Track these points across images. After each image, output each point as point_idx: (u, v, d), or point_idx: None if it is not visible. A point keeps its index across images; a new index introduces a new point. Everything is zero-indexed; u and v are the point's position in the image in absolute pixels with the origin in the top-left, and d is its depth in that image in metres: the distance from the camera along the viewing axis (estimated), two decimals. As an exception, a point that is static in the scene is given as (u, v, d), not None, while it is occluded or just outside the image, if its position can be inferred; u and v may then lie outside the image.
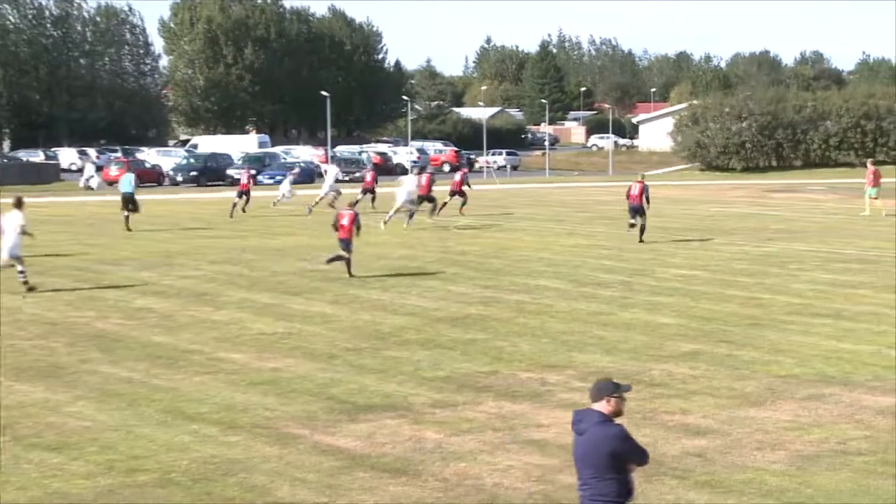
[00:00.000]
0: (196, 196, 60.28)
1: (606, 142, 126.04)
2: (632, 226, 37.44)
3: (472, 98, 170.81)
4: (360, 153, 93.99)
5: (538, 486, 12.80)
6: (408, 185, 42.70)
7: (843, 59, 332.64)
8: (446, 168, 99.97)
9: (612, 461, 8.59)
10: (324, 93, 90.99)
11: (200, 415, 15.71)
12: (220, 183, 76.24)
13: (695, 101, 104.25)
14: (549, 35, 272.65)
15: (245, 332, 21.67)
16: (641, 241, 36.41)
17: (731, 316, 23.23)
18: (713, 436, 14.69)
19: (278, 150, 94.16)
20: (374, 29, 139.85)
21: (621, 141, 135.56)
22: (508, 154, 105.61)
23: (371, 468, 13.38)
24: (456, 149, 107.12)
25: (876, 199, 46.81)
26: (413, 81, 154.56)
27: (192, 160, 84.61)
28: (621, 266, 31.02)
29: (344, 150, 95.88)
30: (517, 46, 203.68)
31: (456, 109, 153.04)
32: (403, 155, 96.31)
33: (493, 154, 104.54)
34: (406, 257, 33.06)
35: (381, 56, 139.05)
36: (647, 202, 36.94)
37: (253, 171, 56.27)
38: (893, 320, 22.49)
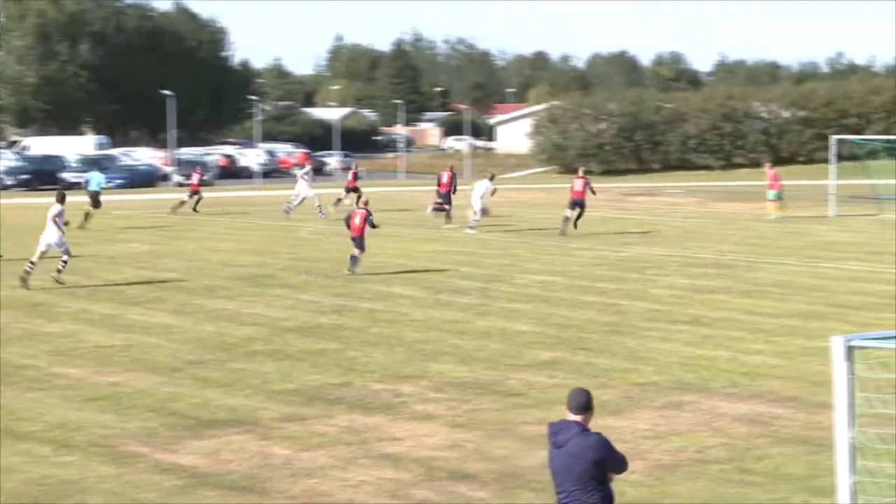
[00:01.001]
0: (28, 201, 58.96)
1: (463, 144, 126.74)
2: (567, 219, 41.67)
3: (324, 98, 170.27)
4: (204, 156, 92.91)
5: (391, 502, 12.83)
6: (479, 190, 43.67)
7: (701, 61, 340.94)
8: (296, 171, 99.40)
9: (596, 470, 8.78)
10: (166, 92, 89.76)
11: (32, 433, 15.36)
12: (55, 186, 74.56)
13: (553, 102, 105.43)
14: (404, 33, 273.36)
15: (81, 344, 21.26)
16: (575, 227, 41.44)
17: (589, 323, 23.58)
18: (571, 446, 14.86)
19: (117, 152, 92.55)
20: (220, 25, 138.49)
21: (478, 143, 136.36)
22: (345, 156, 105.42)
23: (216, 486, 13.25)
24: (307, 151, 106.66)
25: (775, 201, 47.62)
26: (261, 80, 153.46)
27: (23, 162, 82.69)
28: (479, 272, 31.25)
29: (187, 152, 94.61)
30: (371, 45, 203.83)
31: (306, 110, 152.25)
32: (252, 157, 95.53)
33: (328, 156, 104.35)
34: (254, 264, 32.81)
35: (227, 54, 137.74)
36: (593, 192, 42.34)
37: (202, 172, 56.70)
38: (749, 326, 23.10)
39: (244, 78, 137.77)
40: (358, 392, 17.79)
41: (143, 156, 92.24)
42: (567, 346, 21.27)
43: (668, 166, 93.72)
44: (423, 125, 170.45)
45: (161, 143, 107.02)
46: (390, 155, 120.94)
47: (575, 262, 33.49)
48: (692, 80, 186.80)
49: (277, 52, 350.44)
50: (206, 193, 56.25)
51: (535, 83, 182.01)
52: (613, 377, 18.73)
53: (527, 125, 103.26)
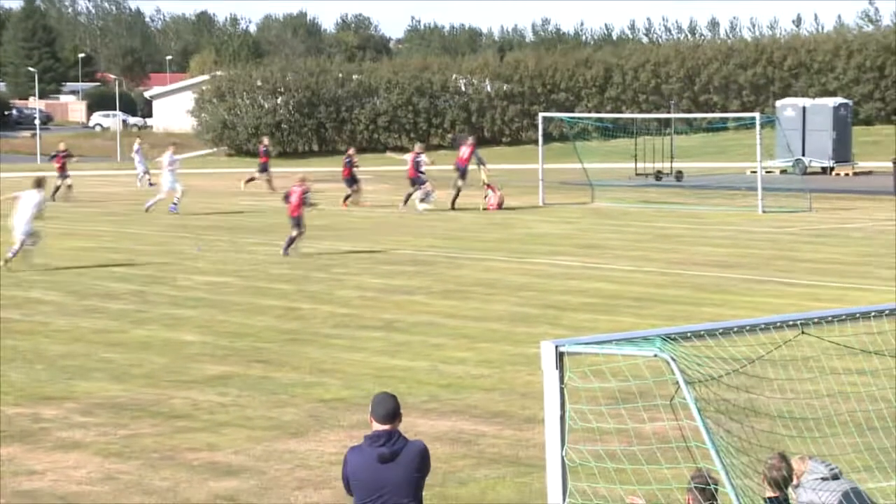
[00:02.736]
0: None
1: (113, 120, 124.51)
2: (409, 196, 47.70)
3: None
4: None
5: (32, 549, 12.58)
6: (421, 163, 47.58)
7: (391, 25, 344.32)
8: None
9: (424, 479, 9.33)
10: None
11: None
12: None
13: (219, 73, 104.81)
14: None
15: None
16: (454, 208, 47.06)
17: (266, 330, 23.64)
18: (246, 475, 14.92)
19: None
20: None
21: (131, 119, 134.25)
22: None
23: None
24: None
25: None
26: None
27: None
28: (135, 273, 30.89)
29: None
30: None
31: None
32: None
33: None
34: None
35: None
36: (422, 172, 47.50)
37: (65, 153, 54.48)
38: (450, 331, 23.63)
39: None
40: (-11, 419, 17.36)
41: None
42: (241, 358, 21.27)
43: (356, 148, 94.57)
44: (64, 98, 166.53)
45: None
46: (26, 133, 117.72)
47: (249, 260, 33.48)
48: (381, 47, 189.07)
49: None
50: None
51: (199, 50, 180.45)
52: (295, 393, 18.85)
53: (189, 99, 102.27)
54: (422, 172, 47.50)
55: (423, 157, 48.02)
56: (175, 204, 46.83)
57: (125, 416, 17.55)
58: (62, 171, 53.43)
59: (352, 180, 50.07)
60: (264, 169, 55.64)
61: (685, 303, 26.54)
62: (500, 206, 47.92)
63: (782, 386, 12.50)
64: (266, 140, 60.90)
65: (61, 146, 55.64)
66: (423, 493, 14.01)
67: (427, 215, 46.10)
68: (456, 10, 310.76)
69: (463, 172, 48.45)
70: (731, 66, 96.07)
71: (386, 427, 9.29)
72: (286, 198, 34.97)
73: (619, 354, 8.89)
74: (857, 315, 9.65)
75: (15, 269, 31.05)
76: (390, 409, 9.32)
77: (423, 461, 9.35)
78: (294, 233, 34.22)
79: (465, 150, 48.90)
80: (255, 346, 22.19)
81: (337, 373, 20.20)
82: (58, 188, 52.52)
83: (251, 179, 55.87)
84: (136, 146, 62.28)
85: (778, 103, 72.67)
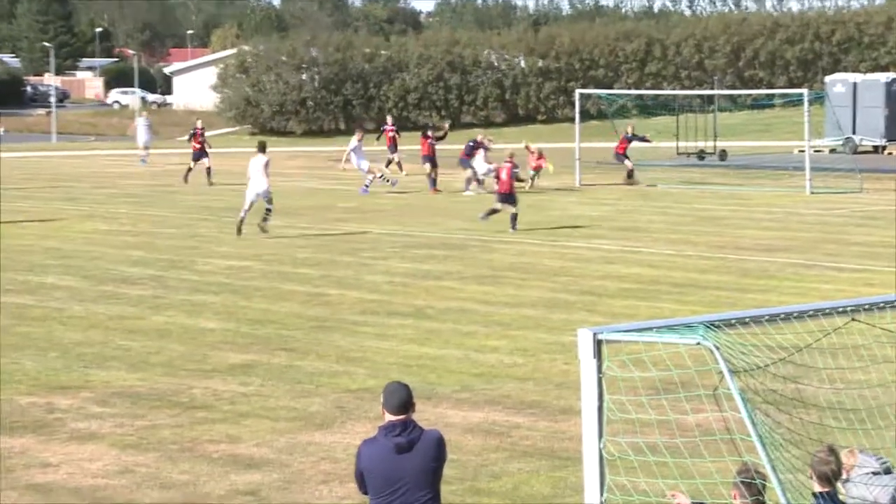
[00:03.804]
0: None
1: (132, 98, 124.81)
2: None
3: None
4: None
5: (46, 545, 12.61)
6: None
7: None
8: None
9: (441, 469, 9.35)
10: None
11: None
12: None
13: (243, 47, 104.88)
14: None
15: None
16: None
17: (291, 317, 23.64)
18: (269, 468, 14.92)
19: None
20: None
21: (151, 97, 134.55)
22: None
23: None
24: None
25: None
26: None
27: None
28: (153, 257, 30.94)
29: None
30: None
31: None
32: None
33: None
34: None
35: None
36: (647, 141, 52.80)
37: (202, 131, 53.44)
38: (483, 318, 23.58)
39: None
40: (0, 408, 17.37)
41: None
42: (264, 346, 21.27)
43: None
44: (81, 74, 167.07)
45: None
46: (41, 111, 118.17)
47: (272, 244, 33.48)
48: (411, 21, 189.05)
49: None
50: None
51: (221, 23, 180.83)
52: (321, 383, 18.84)
53: (211, 75, 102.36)
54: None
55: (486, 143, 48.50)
56: (367, 186, 47.50)
57: (143, 406, 17.57)
58: (201, 150, 51.54)
59: (431, 160, 49.46)
60: (394, 150, 53.76)
61: (729, 289, 26.44)
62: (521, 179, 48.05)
63: (831, 376, 12.41)
64: (390, 119, 58.56)
65: (199, 123, 53.65)
66: (454, 487, 14.00)
67: (457, 197, 46.06)
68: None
69: (623, 158, 51.40)
70: (776, 41, 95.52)
71: (400, 417, 9.28)
72: (496, 175, 37.33)
73: (660, 342, 8.83)
74: (911, 301, 9.57)
75: (246, 234, 33.74)
76: (403, 399, 9.32)
77: (440, 450, 9.36)
78: (506, 208, 35.63)
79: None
80: (279, 334, 22.19)
81: (364, 361, 20.18)
82: (189, 170, 50.96)
83: (389, 163, 53.98)
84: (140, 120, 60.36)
85: (827, 79, 72.17)
